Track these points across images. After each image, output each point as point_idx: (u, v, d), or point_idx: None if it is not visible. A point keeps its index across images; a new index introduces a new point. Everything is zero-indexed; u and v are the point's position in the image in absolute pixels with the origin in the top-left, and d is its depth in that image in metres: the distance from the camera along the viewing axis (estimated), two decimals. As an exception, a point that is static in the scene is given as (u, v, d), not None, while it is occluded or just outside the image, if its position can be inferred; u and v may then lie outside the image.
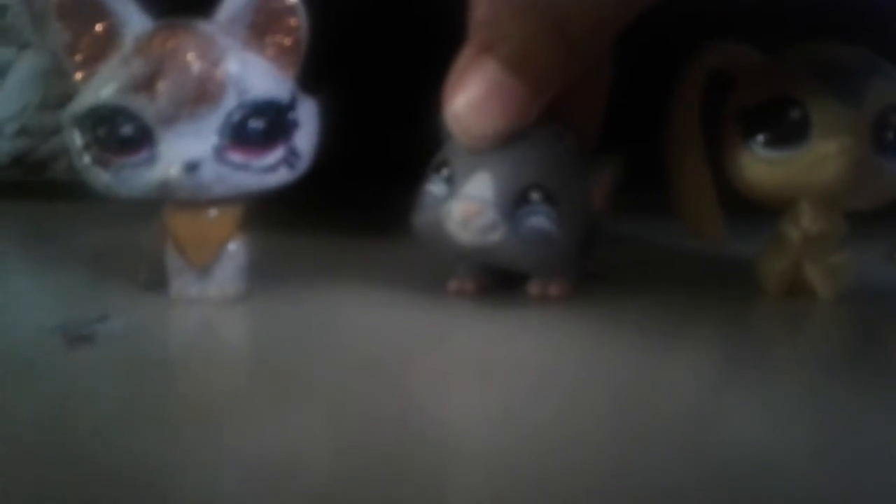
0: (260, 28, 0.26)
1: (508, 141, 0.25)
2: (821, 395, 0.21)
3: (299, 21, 0.26)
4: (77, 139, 0.25)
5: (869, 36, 0.27)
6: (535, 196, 0.25)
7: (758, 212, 0.27)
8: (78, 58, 0.25)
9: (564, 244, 0.26)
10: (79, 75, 0.26)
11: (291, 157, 0.26)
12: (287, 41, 0.26)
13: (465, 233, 0.25)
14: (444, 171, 0.26)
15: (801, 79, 0.26)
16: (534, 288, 0.27)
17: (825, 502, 0.16)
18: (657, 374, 0.22)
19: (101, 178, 0.25)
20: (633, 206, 0.29)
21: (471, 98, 0.24)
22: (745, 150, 0.27)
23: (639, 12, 0.24)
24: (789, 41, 0.27)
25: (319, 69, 0.26)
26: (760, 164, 0.26)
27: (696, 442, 0.18)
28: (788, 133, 0.26)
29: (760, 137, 0.26)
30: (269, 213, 0.27)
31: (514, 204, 0.25)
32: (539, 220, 0.25)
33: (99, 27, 0.25)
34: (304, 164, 0.26)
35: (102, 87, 0.25)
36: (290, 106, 0.26)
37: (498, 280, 0.28)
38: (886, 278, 0.29)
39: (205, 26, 0.25)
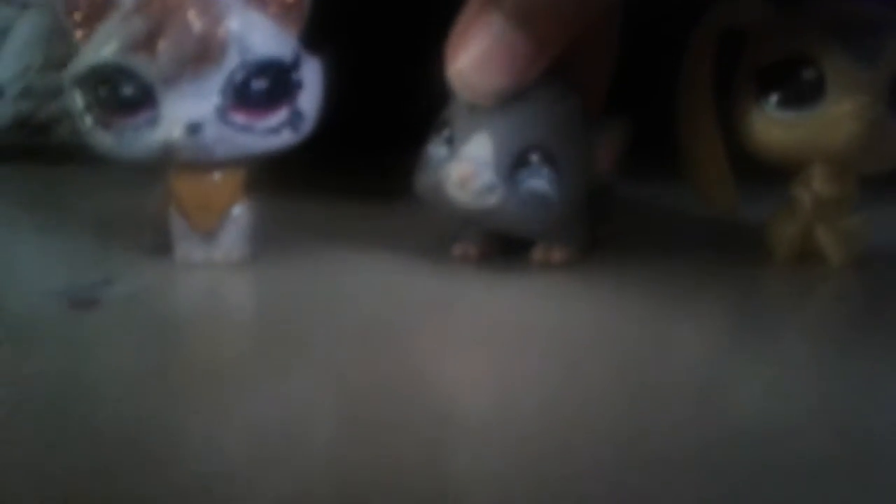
0: (262, -15, 0.25)
1: (509, 101, 0.24)
2: (831, 361, 0.21)
3: (303, -22, 0.25)
4: (78, 100, 0.25)
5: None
6: (534, 157, 0.24)
7: (769, 175, 0.27)
8: (78, 16, 0.25)
9: (564, 207, 0.25)
10: (79, 34, 0.25)
11: (295, 119, 0.26)
12: (290, -1, 0.25)
13: (462, 195, 0.24)
14: (445, 132, 0.25)
15: (816, 36, 0.25)
16: (537, 254, 0.27)
17: (834, 469, 0.16)
18: (664, 340, 0.22)
19: (104, 139, 0.25)
20: (643, 170, 0.29)
21: (474, 54, 0.24)
22: (758, 111, 0.26)
23: None
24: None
25: (324, 27, 0.26)
26: (773, 125, 0.26)
27: (703, 409, 0.18)
28: (802, 93, 0.25)
29: (773, 97, 0.26)
30: (273, 176, 0.27)
31: (513, 166, 0.24)
32: (538, 182, 0.25)
33: (98, -16, 0.25)
34: (308, 125, 0.26)
35: (102, 46, 0.24)
36: (294, 65, 0.25)
37: (502, 245, 0.27)
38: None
39: (206, -17, 0.25)
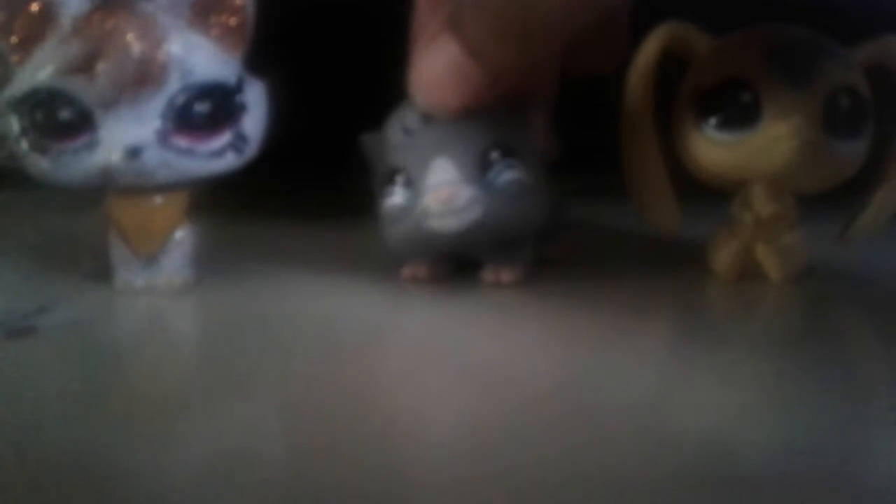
0: (204, 7, 0.25)
1: (447, 119, 0.25)
2: (774, 376, 0.21)
3: (245, 0, 0.25)
4: (14, 124, 0.25)
5: (818, 17, 0.27)
6: (494, 155, 0.25)
7: (711, 195, 0.28)
8: (14, 39, 0.25)
9: (541, 192, 0.25)
10: (15, 58, 0.25)
11: (239, 142, 0.25)
12: (232, 21, 0.25)
13: (448, 220, 0.24)
14: (399, 179, 0.25)
15: (752, 61, 0.26)
16: (487, 274, 0.27)
17: (782, 483, 0.16)
18: (612, 359, 0.22)
19: (40, 164, 0.24)
20: (587, 190, 0.29)
21: (432, 74, 0.25)
22: (698, 133, 0.27)
23: (601, 14, 0.24)
24: (740, 23, 0.27)
25: (268, 50, 0.26)
26: (713, 147, 0.27)
27: (652, 427, 0.18)
28: (740, 115, 0.26)
29: (712, 120, 0.26)
30: (217, 199, 0.26)
31: (481, 171, 0.25)
32: (510, 173, 0.25)
33: (35, 7, 0.24)
34: (252, 148, 0.26)
35: (39, 69, 0.24)
36: (237, 88, 0.25)
37: (451, 267, 0.27)
38: (837, 259, 0.30)
39: (145, 5, 0.24)
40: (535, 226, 0.26)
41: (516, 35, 0.24)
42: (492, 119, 0.25)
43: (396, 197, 0.25)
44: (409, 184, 0.25)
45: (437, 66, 0.25)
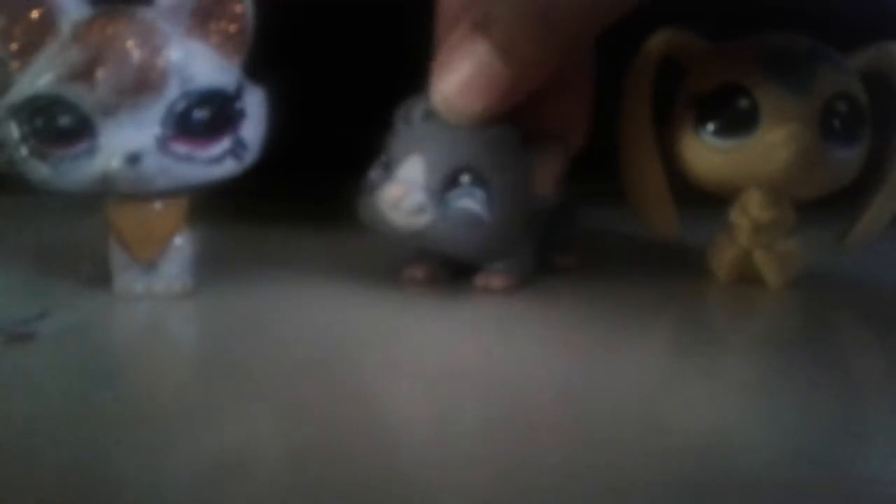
0: (203, 14, 0.25)
1: (443, 124, 0.25)
2: (773, 380, 0.21)
3: (244, 7, 0.25)
4: (14, 131, 0.25)
5: (816, 24, 0.27)
6: (465, 179, 0.25)
7: (709, 200, 0.28)
8: (14, 46, 0.25)
9: (497, 228, 0.25)
10: (15, 64, 0.25)
11: (238, 148, 0.25)
12: (232, 28, 0.25)
13: (394, 215, 0.25)
14: (383, 157, 0.26)
15: (750, 67, 0.26)
16: (480, 280, 0.27)
17: (779, 486, 0.16)
18: (612, 363, 0.22)
19: (40, 170, 0.24)
20: (586, 196, 0.29)
21: (457, 77, 0.25)
22: (696, 139, 0.27)
23: (625, 10, 0.24)
24: (738, 31, 0.27)
25: (267, 56, 0.26)
26: (710, 153, 0.27)
27: (651, 430, 0.18)
28: (738, 121, 0.26)
29: (710, 126, 0.27)
30: (216, 205, 0.26)
31: (444, 186, 0.25)
32: (468, 202, 0.25)
33: (35, 13, 0.24)
34: (251, 155, 0.26)
35: (39, 76, 0.24)
36: (237, 95, 0.25)
37: (450, 270, 0.27)
38: (835, 265, 0.30)
39: (146, 12, 0.25)
40: (479, 258, 0.27)
41: (544, 29, 0.24)
42: (485, 144, 0.25)
43: (375, 172, 0.26)
44: (387, 166, 0.25)
45: (463, 70, 0.25)
